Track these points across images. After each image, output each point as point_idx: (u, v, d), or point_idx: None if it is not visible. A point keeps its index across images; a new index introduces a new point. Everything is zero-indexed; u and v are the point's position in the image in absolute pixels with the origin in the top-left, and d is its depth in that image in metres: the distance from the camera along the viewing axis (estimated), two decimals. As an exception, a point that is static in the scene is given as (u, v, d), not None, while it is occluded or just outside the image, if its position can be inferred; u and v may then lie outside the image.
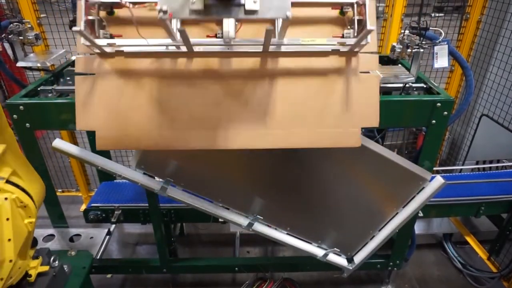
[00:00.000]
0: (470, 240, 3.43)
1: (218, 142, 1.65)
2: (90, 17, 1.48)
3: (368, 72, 1.63)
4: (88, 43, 1.48)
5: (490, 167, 3.58)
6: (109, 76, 1.62)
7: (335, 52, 1.62)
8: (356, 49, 1.59)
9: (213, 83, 1.64)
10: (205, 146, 1.65)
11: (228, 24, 1.50)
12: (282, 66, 1.64)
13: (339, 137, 1.66)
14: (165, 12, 1.22)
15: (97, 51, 1.57)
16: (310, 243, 2.41)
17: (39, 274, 1.83)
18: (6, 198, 1.56)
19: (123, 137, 1.64)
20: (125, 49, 1.59)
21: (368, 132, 2.78)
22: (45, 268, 1.86)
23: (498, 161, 3.63)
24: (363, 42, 1.51)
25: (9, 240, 1.55)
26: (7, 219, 1.55)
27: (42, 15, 3.00)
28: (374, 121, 1.64)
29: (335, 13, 1.60)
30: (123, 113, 1.63)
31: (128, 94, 1.62)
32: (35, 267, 1.80)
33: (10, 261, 1.58)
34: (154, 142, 1.65)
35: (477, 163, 3.66)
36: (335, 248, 2.42)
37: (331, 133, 1.65)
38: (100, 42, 1.52)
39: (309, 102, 1.64)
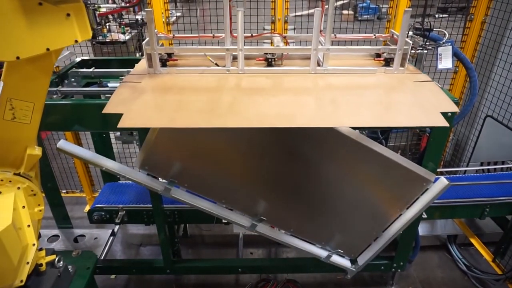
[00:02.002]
0: (474, 242, 3.42)
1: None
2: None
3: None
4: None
5: (495, 169, 3.56)
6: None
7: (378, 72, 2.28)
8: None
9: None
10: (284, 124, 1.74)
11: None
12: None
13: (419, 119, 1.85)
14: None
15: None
16: (314, 245, 2.40)
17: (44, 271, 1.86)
18: (18, 188, 1.64)
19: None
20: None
21: (371, 134, 2.78)
22: (52, 257, 1.92)
23: (502, 163, 3.61)
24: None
25: (28, 226, 1.64)
26: (23, 206, 1.64)
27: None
28: (450, 108, 1.93)
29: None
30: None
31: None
32: (43, 257, 1.86)
33: (34, 244, 1.67)
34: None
35: (481, 164, 3.64)
36: (339, 250, 2.42)
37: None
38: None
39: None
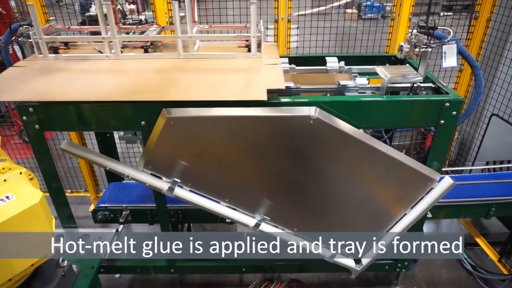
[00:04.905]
0: (480, 241, 3.39)
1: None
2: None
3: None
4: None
5: (501, 168, 3.53)
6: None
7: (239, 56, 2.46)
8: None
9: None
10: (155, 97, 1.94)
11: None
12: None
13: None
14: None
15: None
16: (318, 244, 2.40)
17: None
18: (21, 173, 1.73)
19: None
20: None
21: (375, 133, 2.77)
22: None
23: (509, 162, 3.58)
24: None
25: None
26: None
27: (51, 18, 3.04)
28: (278, 85, 2.05)
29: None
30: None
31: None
32: None
33: (54, 218, 1.78)
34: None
35: (487, 163, 3.61)
36: (343, 249, 2.41)
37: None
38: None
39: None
